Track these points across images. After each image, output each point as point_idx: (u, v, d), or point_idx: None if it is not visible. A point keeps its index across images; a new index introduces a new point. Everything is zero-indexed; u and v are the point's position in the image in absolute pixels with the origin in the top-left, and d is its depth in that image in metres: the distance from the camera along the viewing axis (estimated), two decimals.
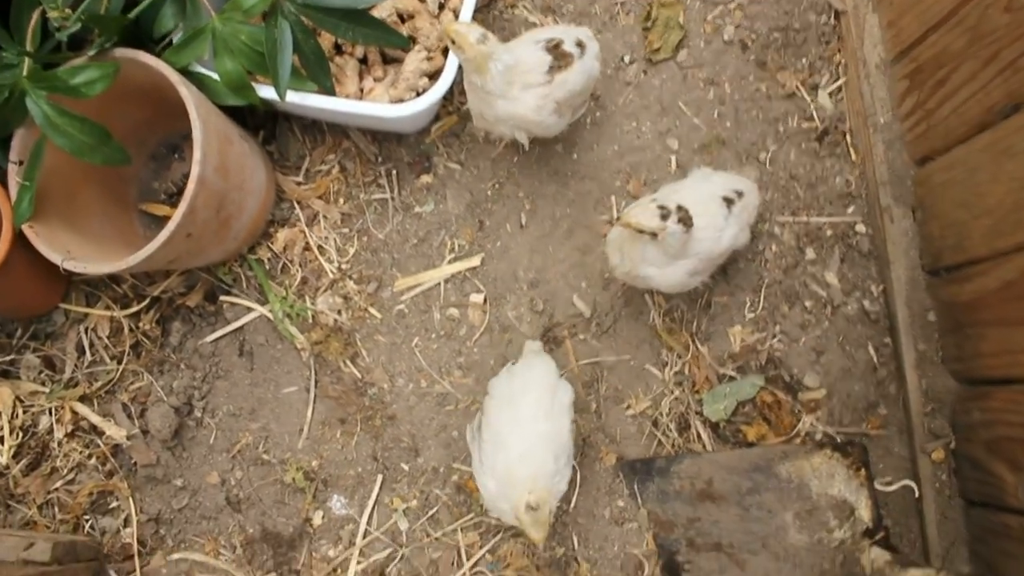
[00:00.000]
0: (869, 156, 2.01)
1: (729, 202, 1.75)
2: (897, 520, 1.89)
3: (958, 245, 1.82)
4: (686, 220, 1.60)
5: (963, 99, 1.76)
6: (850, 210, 2.04)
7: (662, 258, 1.67)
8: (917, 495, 1.87)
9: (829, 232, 2.03)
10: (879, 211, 1.97)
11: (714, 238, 1.72)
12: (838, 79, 2.11)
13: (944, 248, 1.87)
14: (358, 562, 1.89)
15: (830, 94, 2.10)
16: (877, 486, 1.82)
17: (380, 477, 1.94)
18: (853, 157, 2.06)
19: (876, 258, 2.01)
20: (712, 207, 1.72)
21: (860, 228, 2.03)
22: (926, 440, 1.87)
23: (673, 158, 2.07)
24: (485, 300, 1.99)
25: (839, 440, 1.90)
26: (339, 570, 1.89)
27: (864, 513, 1.68)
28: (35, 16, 1.65)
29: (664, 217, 1.59)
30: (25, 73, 1.63)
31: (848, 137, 2.08)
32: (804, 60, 2.12)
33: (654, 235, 1.58)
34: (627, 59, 2.12)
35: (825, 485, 1.73)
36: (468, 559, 1.88)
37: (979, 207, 1.74)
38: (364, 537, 1.91)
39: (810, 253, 2.02)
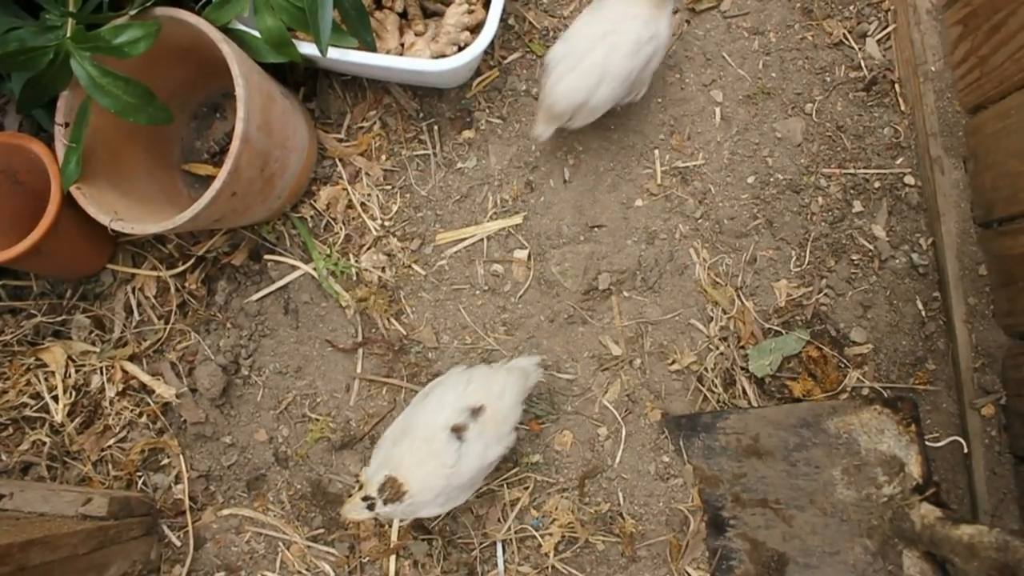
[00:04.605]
0: (919, 105, 1.96)
1: (460, 431, 1.62)
2: (944, 476, 1.87)
3: (1012, 196, 1.78)
4: (394, 496, 1.55)
5: (1020, 44, 1.72)
6: (898, 161, 2.00)
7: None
8: (966, 451, 1.85)
9: (877, 184, 1.99)
10: (929, 162, 1.93)
11: (448, 474, 1.61)
12: (887, 26, 2.06)
13: (997, 199, 1.83)
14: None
15: (878, 42, 2.06)
16: (925, 442, 1.81)
17: None
18: (902, 107, 2.02)
19: (925, 210, 1.97)
20: (435, 446, 1.61)
21: (909, 180, 1.99)
22: (975, 395, 1.86)
23: (717, 110, 2.04)
24: (529, 256, 1.99)
25: (887, 395, 1.89)
26: (386, 525, 1.91)
27: (914, 469, 1.67)
28: None
29: (371, 507, 1.58)
30: (69, 34, 1.63)
31: (897, 86, 2.03)
32: (851, 7, 2.07)
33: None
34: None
35: (874, 440, 1.71)
36: (514, 514, 1.90)
37: None
38: None
39: (857, 206, 1.98)
